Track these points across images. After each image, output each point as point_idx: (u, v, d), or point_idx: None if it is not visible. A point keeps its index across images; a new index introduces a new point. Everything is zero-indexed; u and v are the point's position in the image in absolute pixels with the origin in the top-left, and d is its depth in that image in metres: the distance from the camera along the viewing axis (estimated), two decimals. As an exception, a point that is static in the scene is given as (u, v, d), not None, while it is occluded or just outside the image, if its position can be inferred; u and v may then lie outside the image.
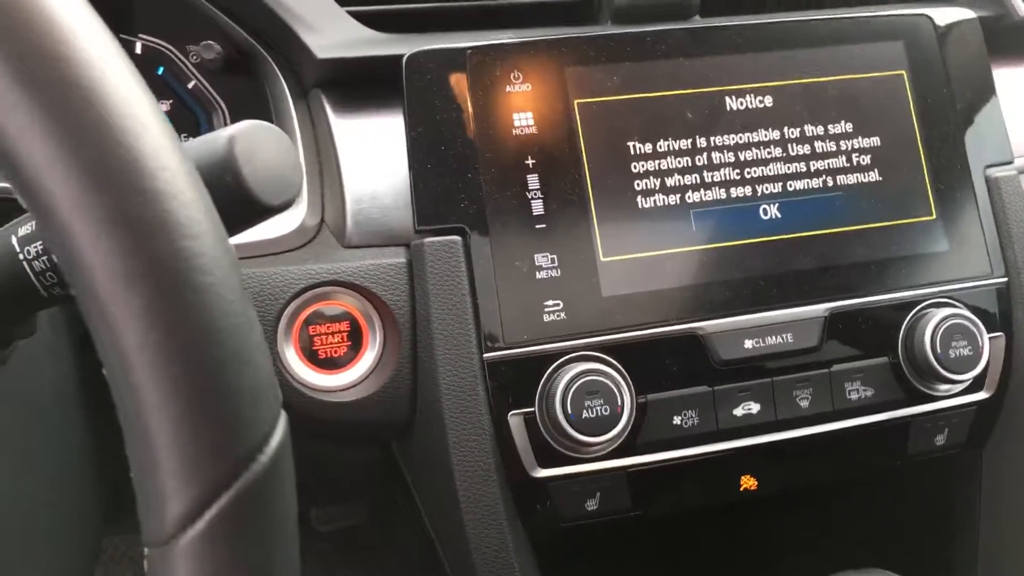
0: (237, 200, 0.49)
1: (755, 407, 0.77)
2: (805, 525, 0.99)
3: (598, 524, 0.76)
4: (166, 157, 0.34)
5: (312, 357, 0.73)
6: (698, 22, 0.85)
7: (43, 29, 0.33)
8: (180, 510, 0.33)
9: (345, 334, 0.73)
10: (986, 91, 0.85)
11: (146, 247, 0.32)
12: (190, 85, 0.89)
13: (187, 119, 0.89)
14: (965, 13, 0.86)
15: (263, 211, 0.50)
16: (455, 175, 0.73)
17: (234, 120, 0.89)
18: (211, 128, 0.90)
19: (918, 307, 0.79)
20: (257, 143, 0.50)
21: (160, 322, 0.32)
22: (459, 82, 0.74)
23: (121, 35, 0.88)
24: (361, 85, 0.79)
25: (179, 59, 0.88)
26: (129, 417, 0.34)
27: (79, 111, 0.32)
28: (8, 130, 0.31)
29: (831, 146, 0.80)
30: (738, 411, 0.76)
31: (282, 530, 0.36)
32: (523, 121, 0.75)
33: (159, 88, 0.89)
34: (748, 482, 0.81)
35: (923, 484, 0.95)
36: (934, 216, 0.81)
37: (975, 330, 0.78)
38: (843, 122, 0.80)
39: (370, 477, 0.92)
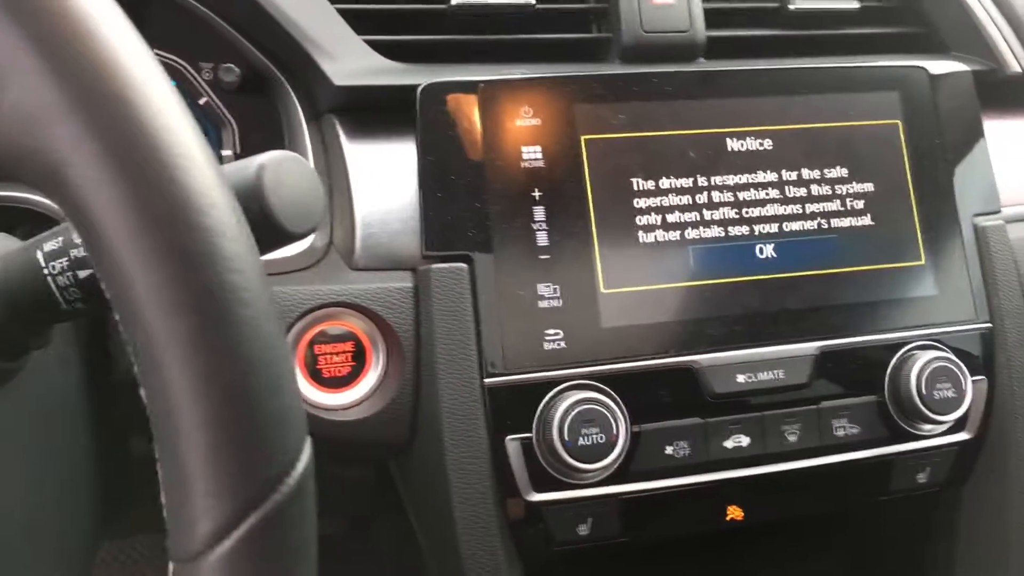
0: (263, 227, 0.51)
1: (745, 440, 0.79)
2: (787, 556, 1.01)
3: (590, 548, 0.78)
4: (215, 194, 0.36)
5: (316, 376, 0.75)
6: (703, 64, 0.88)
7: (105, 71, 0.35)
8: (210, 528, 0.35)
9: (349, 354, 0.75)
10: (976, 142, 0.88)
11: (195, 279, 0.34)
12: (201, 101, 0.90)
13: (197, 135, 0.91)
14: (959, 66, 0.89)
15: (286, 238, 0.52)
16: (463, 204, 0.75)
17: (243, 139, 0.91)
18: (220, 145, 0.92)
19: (905, 348, 0.82)
20: (284, 173, 0.52)
21: (204, 350, 0.34)
22: (471, 113, 0.76)
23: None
24: (374, 112, 0.81)
25: (191, 75, 0.90)
26: (165, 435, 0.35)
27: (138, 149, 0.34)
28: (74, 170, 0.33)
29: (826, 190, 0.83)
30: (728, 443, 0.79)
31: (305, 552, 0.38)
32: (531, 154, 0.77)
33: (171, 103, 0.91)
34: (735, 512, 0.83)
35: (905, 520, 0.97)
36: (923, 262, 0.84)
37: (959, 373, 0.81)
38: (838, 167, 0.83)
39: (358, 493, 0.93)
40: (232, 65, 0.83)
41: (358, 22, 0.82)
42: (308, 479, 0.38)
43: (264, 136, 0.87)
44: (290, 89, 0.84)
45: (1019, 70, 0.94)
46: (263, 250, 0.54)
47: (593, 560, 0.86)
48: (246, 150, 0.90)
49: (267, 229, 0.51)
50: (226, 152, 0.91)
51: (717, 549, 0.98)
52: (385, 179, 0.79)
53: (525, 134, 0.77)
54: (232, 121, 0.91)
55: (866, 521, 1.01)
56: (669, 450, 0.77)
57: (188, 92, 0.90)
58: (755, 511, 0.83)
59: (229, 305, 0.35)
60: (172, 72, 0.89)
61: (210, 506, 0.35)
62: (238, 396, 0.35)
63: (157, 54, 0.89)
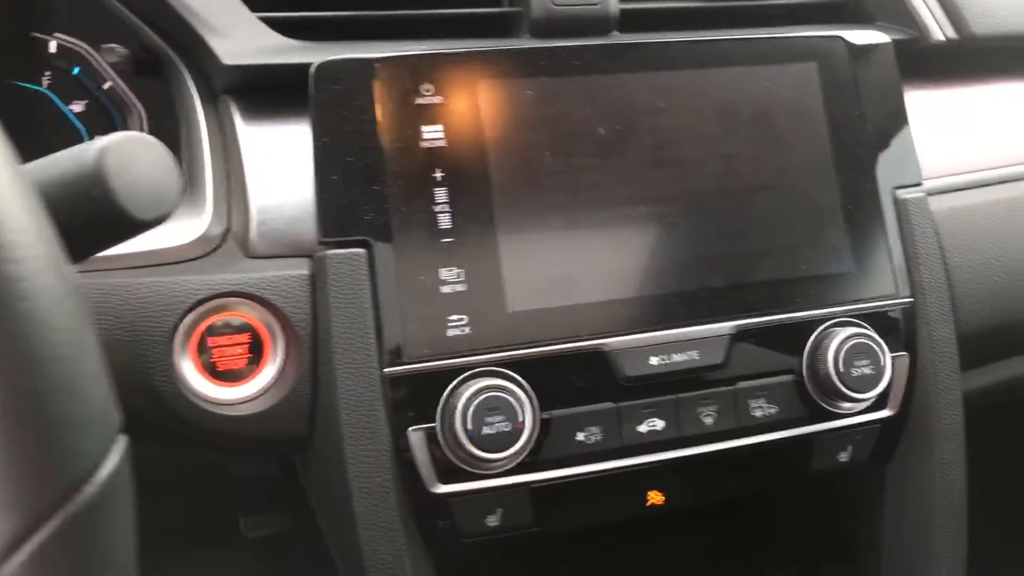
0: (107, 214, 0.48)
1: (660, 424, 0.77)
2: (716, 537, 1.00)
3: (507, 540, 0.76)
4: None
5: (211, 369, 0.72)
6: (616, 38, 0.85)
7: None
8: None
9: (246, 346, 0.72)
10: (897, 114, 0.86)
11: None
12: (106, 86, 0.87)
13: (102, 120, 0.88)
14: (879, 36, 0.87)
15: (136, 226, 0.49)
16: (361, 187, 0.72)
17: (152, 123, 0.88)
18: (126, 129, 0.88)
19: (823, 326, 0.80)
20: (131, 156, 0.49)
21: None
22: (368, 93, 0.73)
23: (36, 34, 0.86)
24: (271, 93, 0.77)
25: (95, 59, 0.86)
26: None
27: None
28: None
29: (743, 165, 0.80)
30: (642, 427, 0.77)
31: (113, 560, 0.35)
32: (432, 134, 0.74)
33: (75, 88, 0.87)
34: (655, 497, 0.81)
35: (831, 499, 0.96)
36: (843, 237, 0.82)
37: (878, 349, 0.79)
38: (755, 142, 0.81)
39: (264, 488, 0.91)
40: (114, 45, 0.79)
41: (253, -1, 0.79)
42: (117, 484, 0.36)
43: (170, 120, 0.84)
44: (184, 70, 0.80)
45: (943, 39, 0.92)
46: (114, 241, 0.51)
47: (518, 549, 0.84)
48: (154, 135, 0.87)
49: (112, 217, 0.48)
50: (133, 137, 0.88)
51: (644, 532, 0.96)
52: (282, 163, 0.76)
53: (425, 113, 0.74)
54: (138, 105, 0.87)
55: (792, 501, 0.99)
56: (580, 436, 0.75)
57: (92, 77, 0.86)
58: (676, 496, 0.81)
59: (4, 298, 0.32)
60: (76, 57, 0.86)
61: None
62: (16, 398, 0.32)
63: (60, 39, 0.86)
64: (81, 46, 0.86)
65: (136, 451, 0.83)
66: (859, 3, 0.94)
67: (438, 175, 0.74)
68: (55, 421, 0.33)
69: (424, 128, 0.74)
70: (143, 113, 0.87)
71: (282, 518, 1.33)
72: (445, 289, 0.72)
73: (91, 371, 0.35)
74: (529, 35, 0.84)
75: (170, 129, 0.83)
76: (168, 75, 0.82)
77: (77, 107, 0.87)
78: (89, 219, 0.47)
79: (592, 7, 0.84)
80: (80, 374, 0.34)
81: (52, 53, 0.86)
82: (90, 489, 0.34)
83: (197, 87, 0.80)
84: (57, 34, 0.86)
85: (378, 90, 0.73)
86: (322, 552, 0.81)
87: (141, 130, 0.88)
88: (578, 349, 0.75)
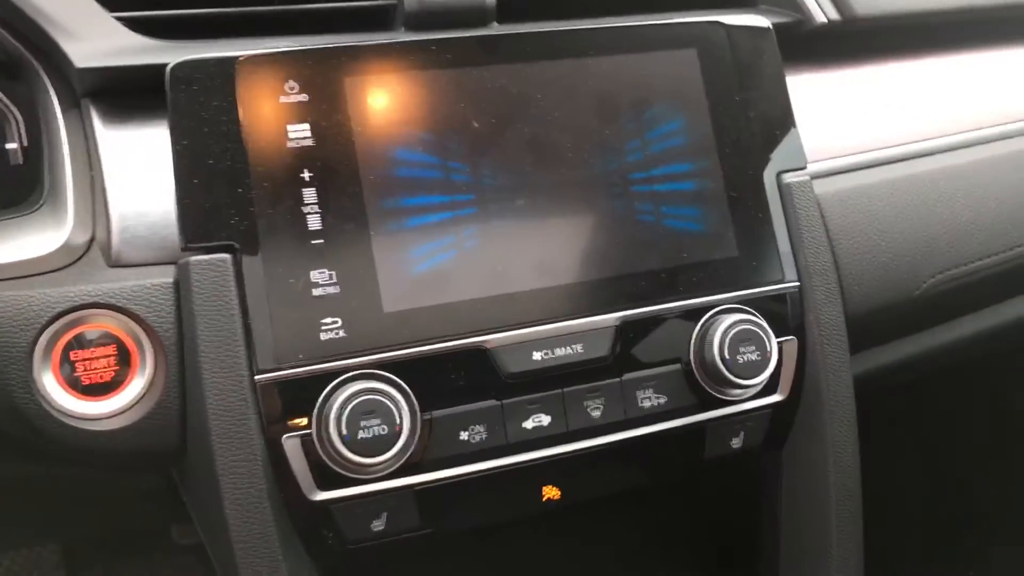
0: None
1: (546, 419, 0.76)
2: (623, 525, 1.00)
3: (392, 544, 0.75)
4: None
5: (75, 384, 0.69)
6: (495, 29, 0.84)
7: None
8: None
9: (112, 359, 0.70)
10: (780, 97, 0.86)
11: None
12: None
13: (-23, 129, 0.84)
14: (759, 20, 0.87)
15: None
16: (224, 190, 0.70)
17: (29, 129, 0.84)
18: (3, 137, 0.85)
19: (709, 314, 0.80)
20: None
21: None
22: (228, 93, 0.71)
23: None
24: (133, 96, 0.75)
25: None
26: None
27: None
28: None
29: (623, 155, 0.80)
30: (528, 424, 0.76)
31: None
32: (298, 133, 0.72)
33: (-56, 96, 0.84)
34: (551, 492, 0.80)
35: (733, 485, 0.96)
36: (727, 223, 0.82)
37: (763, 335, 0.79)
38: (636, 130, 0.80)
39: (155, 502, 0.88)
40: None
41: (107, -2, 0.76)
42: None
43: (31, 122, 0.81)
44: (43, 74, 0.77)
45: (825, 20, 0.92)
46: None
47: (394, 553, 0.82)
48: (33, 141, 0.84)
49: None
50: (11, 145, 0.84)
51: (547, 525, 0.95)
52: (144, 167, 0.74)
53: (291, 111, 0.72)
54: (14, 111, 0.84)
55: (700, 488, 0.99)
56: (464, 435, 0.74)
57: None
58: (571, 490, 0.81)
59: None
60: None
61: None
62: None
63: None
64: None
65: (12, 469, 0.80)
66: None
67: (306, 175, 0.72)
68: None
69: (290, 127, 0.72)
70: (18, 118, 0.84)
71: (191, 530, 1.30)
72: (317, 292, 0.71)
73: None
74: (404, 28, 0.82)
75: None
76: (29, 80, 0.79)
77: (-55, 116, 0.84)
78: None
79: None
80: None
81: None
82: None
83: (57, 91, 0.77)
84: None
85: (240, 89, 0.71)
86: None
87: (18, 136, 0.84)
88: (457, 347, 0.73)
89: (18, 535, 1.29)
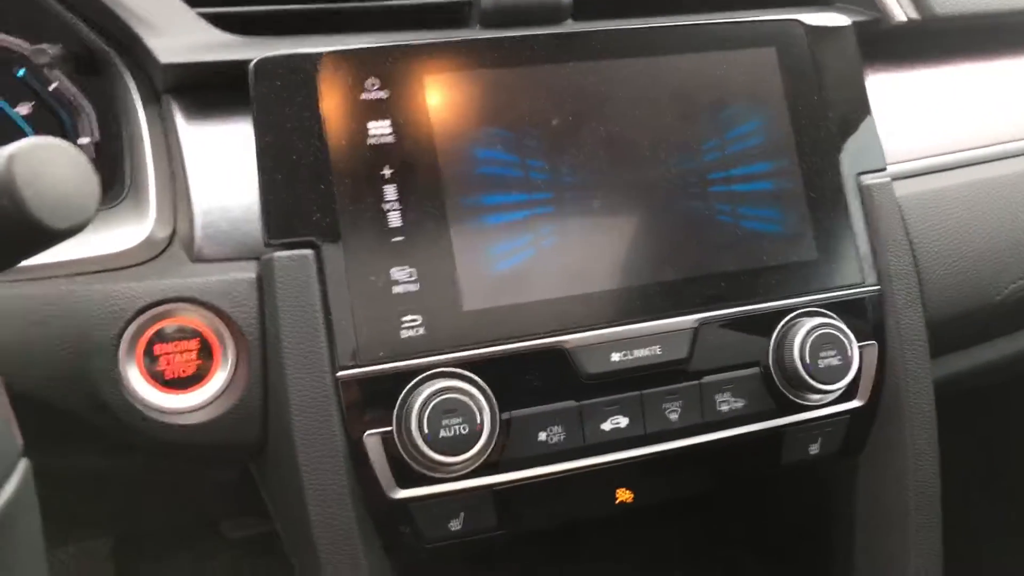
0: (18, 225, 0.45)
1: (624, 421, 0.75)
2: (689, 529, 0.99)
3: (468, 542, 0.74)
4: None
5: (159, 378, 0.69)
6: (570, 26, 0.83)
7: None
8: None
9: (195, 352, 0.70)
10: (859, 98, 0.85)
11: None
12: (53, 87, 0.84)
13: (51, 122, 0.85)
14: (839, 19, 0.86)
15: (51, 236, 0.47)
16: (307, 186, 0.70)
17: (101, 124, 0.85)
18: (76, 131, 0.86)
19: (788, 317, 0.79)
20: (43, 163, 0.46)
21: None
22: (311, 89, 0.71)
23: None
24: (215, 91, 0.75)
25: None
26: None
27: None
28: None
29: (701, 154, 0.79)
30: (606, 425, 0.75)
31: None
32: (379, 130, 0.72)
33: (20, 90, 0.85)
34: (624, 495, 0.80)
35: (804, 490, 0.95)
36: (806, 224, 0.80)
37: (844, 340, 0.78)
38: (713, 129, 0.79)
39: (227, 494, 0.89)
40: (46, 46, 0.77)
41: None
42: (17, 508, 0.34)
43: (117, 120, 0.81)
44: (124, 69, 0.78)
45: (904, 19, 0.90)
46: (29, 253, 0.48)
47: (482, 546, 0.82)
48: (106, 136, 0.84)
49: (24, 227, 0.45)
50: (83, 139, 0.85)
51: (614, 526, 0.94)
52: (226, 163, 0.74)
53: (372, 108, 0.72)
54: (86, 106, 0.84)
55: (767, 492, 0.98)
56: (543, 436, 0.73)
57: (37, 78, 0.84)
58: (645, 492, 0.80)
59: None
60: (20, 58, 0.83)
61: None
62: None
63: (2, 40, 0.84)
64: (24, 48, 0.83)
65: (94, 460, 0.81)
66: (820, -14, 0.93)
67: (387, 172, 0.71)
68: None
69: (371, 124, 0.72)
70: (91, 114, 0.85)
71: (262, 519, 1.31)
72: (397, 289, 0.70)
73: None
74: (479, 26, 0.82)
75: (120, 128, 0.81)
76: (109, 74, 0.80)
77: (24, 109, 0.85)
78: (1, 230, 0.45)
79: (544, -4, 0.81)
80: None
81: (-5, 55, 0.83)
82: None
83: (138, 86, 0.77)
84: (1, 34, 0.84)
85: (322, 86, 0.71)
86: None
87: (91, 131, 0.85)
88: (536, 347, 0.73)
89: (73, 530, 1.30)
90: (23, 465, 0.35)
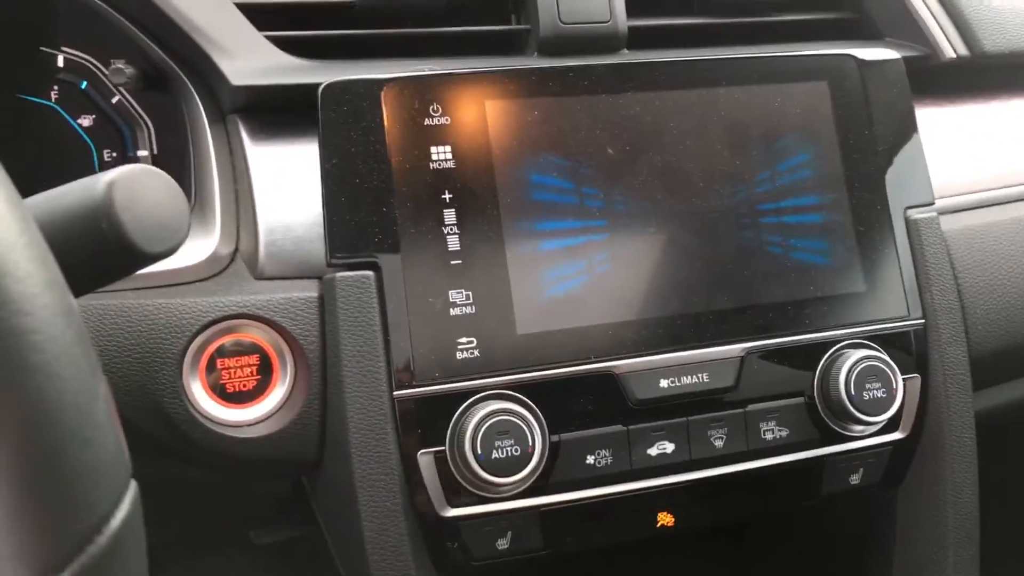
0: (115, 248, 0.47)
1: (670, 446, 0.76)
2: (726, 556, 1.00)
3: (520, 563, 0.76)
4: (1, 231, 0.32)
5: (220, 391, 0.71)
6: (625, 56, 0.85)
7: None
8: None
9: (255, 368, 0.72)
10: (909, 132, 0.86)
11: None
12: (114, 100, 0.87)
13: (111, 134, 0.87)
14: (890, 53, 0.87)
15: (145, 259, 0.49)
16: (370, 208, 0.72)
17: (159, 138, 0.87)
18: (135, 145, 0.88)
19: (834, 348, 0.80)
20: (140, 189, 0.48)
21: None
22: (376, 114, 0.73)
23: (43, 48, 0.86)
24: (280, 112, 0.77)
25: (103, 73, 0.86)
26: None
27: None
28: None
29: (753, 185, 0.80)
30: (652, 451, 0.76)
31: None
32: (441, 155, 0.74)
33: (82, 102, 0.87)
34: (665, 519, 0.81)
35: (841, 520, 0.95)
36: (854, 257, 0.81)
37: (889, 372, 0.78)
38: (765, 161, 0.80)
39: (281, 506, 0.90)
40: (121, 65, 0.79)
41: (261, 18, 0.78)
42: (129, 530, 0.35)
43: (178, 137, 0.84)
44: (192, 89, 0.80)
45: (954, 55, 0.91)
46: (124, 273, 0.50)
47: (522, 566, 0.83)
48: (163, 151, 0.87)
49: (121, 250, 0.47)
50: (142, 152, 0.88)
51: (651, 550, 0.96)
52: (291, 183, 0.76)
53: (434, 133, 0.74)
54: (147, 120, 0.87)
55: (804, 522, 0.99)
56: (590, 460, 0.74)
57: (100, 91, 0.86)
58: (686, 517, 0.81)
59: (15, 351, 0.31)
60: (83, 71, 0.86)
61: (8, 570, 0.32)
62: (32, 452, 0.32)
63: (67, 53, 0.86)
64: (89, 60, 0.86)
65: (146, 467, 0.83)
66: (869, 20, 0.94)
67: (447, 196, 0.73)
68: (69, 472, 0.33)
69: (433, 149, 0.73)
70: (151, 128, 0.87)
71: (291, 527, 1.33)
72: (454, 311, 0.72)
73: (102, 419, 0.35)
74: (537, 53, 0.83)
75: (178, 144, 0.83)
76: (176, 93, 0.82)
77: (85, 121, 0.87)
78: (97, 253, 0.47)
79: (601, 25, 0.83)
80: (91, 423, 0.34)
81: (60, 67, 0.86)
82: (102, 539, 0.34)
83: (205, 106, 0.80)
84: (65, 48, 0.86)
85: (386, 111, 0.73)
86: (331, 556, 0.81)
87: (149, 145, 0.87)
88: (587, 372, 0.74)
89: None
90: (133, 487, 0.37)
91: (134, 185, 0.47)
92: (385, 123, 0.73)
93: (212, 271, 0.74)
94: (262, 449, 0.71)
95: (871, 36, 0.93)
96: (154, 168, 0.50)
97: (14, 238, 0.33)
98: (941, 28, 0.91)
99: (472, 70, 0.76)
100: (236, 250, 0.76)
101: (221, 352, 0.71)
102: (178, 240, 0.49)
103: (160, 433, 0.71)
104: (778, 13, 0.91)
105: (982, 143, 0.93)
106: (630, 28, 0.84)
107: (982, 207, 0.89)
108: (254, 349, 0.72)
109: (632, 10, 0.84)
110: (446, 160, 0.74)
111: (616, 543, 0.82)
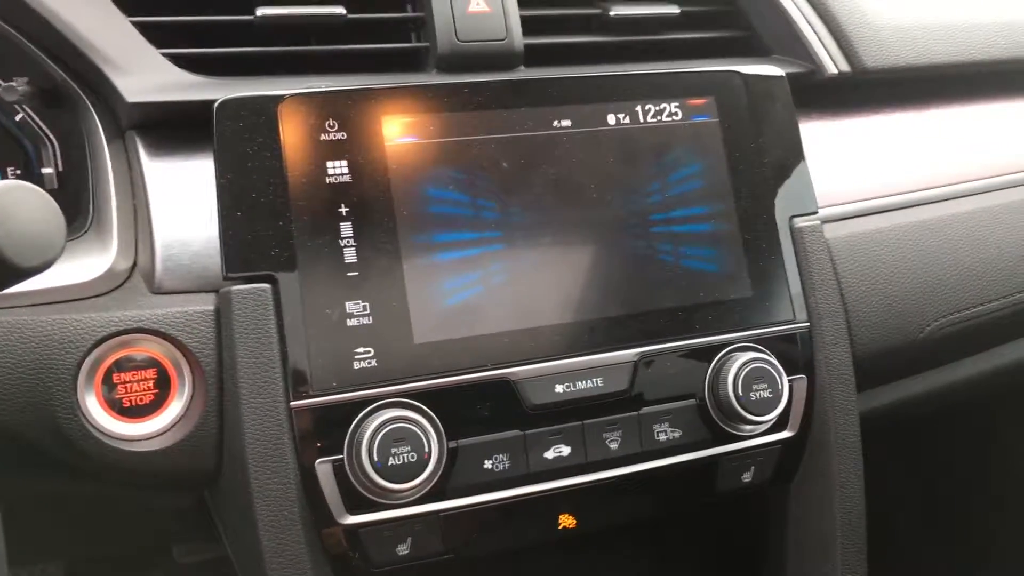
0: None
1: (566, 450, 0.79)
2: (631, 558, 1.02)
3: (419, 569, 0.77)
4: None
5: (116, 406, 0.72)
6: (522, 72, 0.87)
7: None
8: None
9: (152, 382, 0.72)
10: (794, 145, 0.90)
11: None
12: (18, 118, 0.86)
13: (15, 152, 0.87)
14: (774, 70, 0.91)
15: (18, 274, 0.49)
16: (265, 222, 0.73)
17: (64, 155, 0.87)
18: (40, 163, 0.88)
19: (723, 351, 0.83)
20: (12, 204, 0.49)
21: None
22: (272, 129, 0.74)
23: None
24: (177, 128, 0.78)
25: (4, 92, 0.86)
26: None
27: None
28: None
29: (643, 196, 0.83)
30: (549, 454, 0.78)
31: None
32: (337, 169, 0.75)
33: (-17, 119, 0.87)
34: (567, 520, 0.83)
35: (744, 518, 0.99)
36: (742, 264, 0.85)
37: (775, 373, 0.82)
38: (655, 173, 0.84)
39: (185, 521, 0.90)
40: (13, 83, 0.79)
41: (159, 35, 0.79)
42: None
43: (82, 154, 0.84)
44: (89, 105, 0.80)
45: (836, 72, 0.96)
46: None
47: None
48: (68, 167, 0.87)
49: None
50: (47, 170, 0.87)
51: (557, 552, 0.98)
52: (188, 198, 0.77)
53: (330, 149, 0.75)
54: (52, 138, 0.87)
55: (713, 519, 1.02)
56: (488, 464, 0.76)
57: (3, 110, 0.86)
58: (587, 519, 0.83)
59: None
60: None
61: None
62: None
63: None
64: None
65: (48, 485, 0.82)
66: (757, 38, 0.98)
67: (343, 210, 0.75)
68: None
69: (329, 164, 0.75)
70: (56, 145, 0.87)
71: (214, 544, 1.32)
72: (351, 322, 0.73)
73: None
74: (436, 71, 0.86)
75: (83, 160, 0.83)
76: (75, 109, 0.82)
77: (-13, 140, 0.87)
78: None
79: (497, 43, 0.86)
80: None
81: (-40, 86, 0.85)
82: None
83: (102, 122, 0.80)
84: None
85: (283, 126, 0.74)
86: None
87: (54, 161, 0.87)
88: (483, 379, 0.76)
89: (26, 553, 1.30)
90: None
91: (6, 200, 0.48)
92: (281, 139, 0.74)
93: (109, 286, 0.74)
94: (160, 462, 0.72)
95: (760, 53, 0.98)
96: (27, 184, 0.51)
97: None
98: (824, 46, 0.96)
99: (368, 86, 0.78)
100: (134, 265, 0.76)
101: (118, 367, 0.71)
102: (52, 255, 0.50)
103: (56, 449, 0.71)
104: (671, 32, 0.95)
105: (864, 155, 0.97)
106: (527, 46, 0.87)
107: (863, 215, 0.93)
108: (151, 363, 0.73)
109: (530, 29, 0.87)
110: (342, 175, 0.75)
111: (519, 546, 0.84)
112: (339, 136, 0.76)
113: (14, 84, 0.80)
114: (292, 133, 0.75)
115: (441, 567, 0.79)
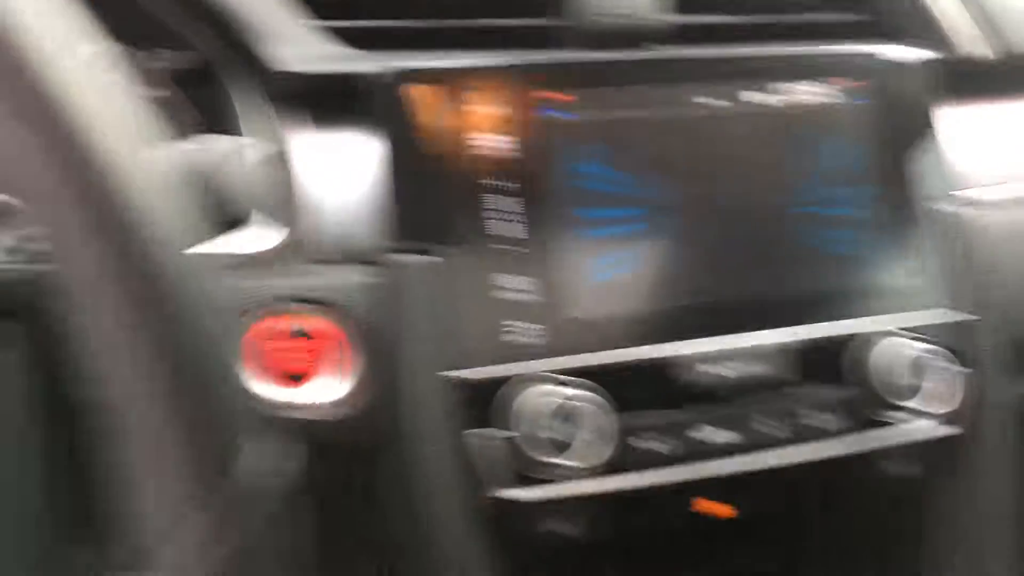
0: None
1: (726, 434, 0.76)
2: (767, 551, 0.98)
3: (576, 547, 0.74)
4: None
5: (272, 373, 0.70)
6: (659, 51, 0.86)
7: None
8: None
9: (307, 351, 0.71)
10: (933, 128, 0.87)
11: None
12: (161, 92, 0.86)
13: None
14: (914, 52, 0.89)
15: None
16: (425, 195, 0.72)
17: (210, 129, 0.86)
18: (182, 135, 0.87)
19: (882, 339, 0.80)
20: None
21: None
22: (430, 103, 0.73)
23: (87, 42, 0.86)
24: (327, 100, 0.77)
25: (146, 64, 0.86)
26: None
27: None
28: None
29: (789, 179, 0.81)
30: (703, 436, 0.76)
31: None
32: (494, 143, 0.74)
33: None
34: (719, 508, 0.80)
35: (884, 510, 0.94)
36: (900, 250, 0.83)
37: (936, 363, 0.79)
38: (796, 156, 0.82)
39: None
40: (164, 52, 0.79)
41: (306, 6, 0.79)
42: None
43: (226, 127, 0.83)
44: (237, 77, 0.80)
45: (978, 55, 0.93)
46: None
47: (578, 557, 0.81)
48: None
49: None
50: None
51: (699, 544, 0.93)
52: (341, 169, 0.76)
53: (494, 124, 0.74)
54: (195, 112, 0.86)
55: (846, 510, 0.97)
56: (645, 445, 0.74)
57: (143, 82, 0.86)
58: (741, 506, 0.80)
59: None
60: (131, 64, 0.85)
61: None
62: None
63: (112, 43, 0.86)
64: (136, 53, 0.85)
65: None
66: (892, 20, 0.96)
67: (502, 184, 0.74)
68: None
69: (488, 137, 0.74)
70: (201, 119, 0.86)
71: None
72: (509, 296, 0.72)
73: None
74: (576, 47, 0.84)
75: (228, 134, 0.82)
76: (222, 81, 0.82)
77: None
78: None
79: (637, 20, 0.84)
80: None
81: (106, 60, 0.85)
82: None
83: (251, 94, 0.79)
84: (113, 40, 0.86)
85: (444, 100, 0.74)
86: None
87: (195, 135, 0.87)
88: (640, 356, 0.74)
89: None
90: None
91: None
92: (442, 112, 0.73)
93: (265, 257, 0.73)
94: (313, 433, 0.70)
95: (892, 36, 0.95)
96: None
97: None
98: (962, 29, 0.93)
99: (521, 61, 0.77)
100: (289, 235, 0.75)
101: (276, 334, 0.70)
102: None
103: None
104: (805, 13, 0.93)
105: (1011, 139, 0.94)
106: (663, 24, 0.85)
107: (1019, 201, 0.90)
108: (304, 332, 0.71)
109: (665, 7, 0.85)
110: (501, 149, 0.74)
111: (671, 530, 0.81)
112: (503, 111, 0.75)
113: (159, 53, 0.79)
114: (453, 107, 0.74)
115: (591, 553, 0.76)
